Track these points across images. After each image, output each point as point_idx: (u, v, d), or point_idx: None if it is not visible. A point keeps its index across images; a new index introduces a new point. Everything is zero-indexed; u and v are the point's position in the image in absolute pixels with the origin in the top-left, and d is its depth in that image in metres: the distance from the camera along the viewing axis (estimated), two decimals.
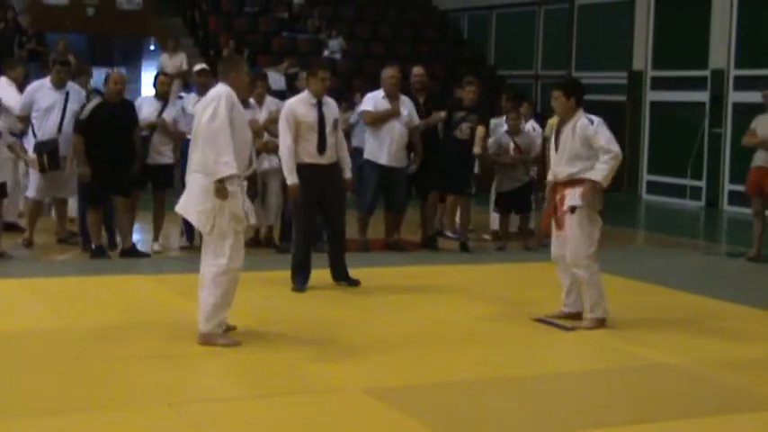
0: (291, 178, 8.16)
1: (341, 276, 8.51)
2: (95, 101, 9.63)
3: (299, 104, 8.31)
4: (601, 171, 6.98)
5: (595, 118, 7.11)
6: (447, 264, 9.91)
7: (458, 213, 10.98)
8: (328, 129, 8.28)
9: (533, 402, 5.58)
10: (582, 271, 7.07)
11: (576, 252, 7.06)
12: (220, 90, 6.47)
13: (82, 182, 9.50)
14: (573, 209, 7.04)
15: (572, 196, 7.05)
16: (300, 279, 8.29)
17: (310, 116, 8.24)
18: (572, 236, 7.06)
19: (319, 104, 8.31)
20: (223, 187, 6.26)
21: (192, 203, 6.45)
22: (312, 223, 8.58)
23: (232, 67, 6.67)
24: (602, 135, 7.00)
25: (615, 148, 7.01)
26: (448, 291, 8.51)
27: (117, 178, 9.44)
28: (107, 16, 21.07)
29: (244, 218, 6.44)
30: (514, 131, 10.79)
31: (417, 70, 10.93)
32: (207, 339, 6.38)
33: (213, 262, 6.37)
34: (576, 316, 7.28)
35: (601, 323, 7.12)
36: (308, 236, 8.50)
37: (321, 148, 8.26)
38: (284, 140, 8.21)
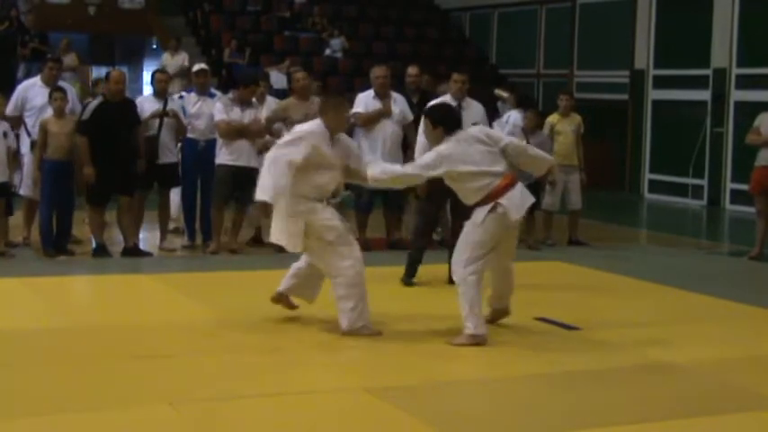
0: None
1: None
2: (97, 100, 9.62)
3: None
4: (383, 171, 6.79)
5: (455, 137, 6.62)
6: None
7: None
8: None
9: (534, 401, 5.59)
10: (457, 280, 6.66)
11: (454, 259, 6.75)
12: (310, 130, 6.66)
13: (86, 182, 9.48)
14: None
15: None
16: (414, 273, 8.67)
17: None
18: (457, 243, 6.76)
19: (459, 107, 8.47)
20: (262, 205, 6.54)
21: (278, 228, 6.65)
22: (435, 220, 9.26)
23: (331, 107, 6.76)
24: (432, 152, 6.62)
25: (423, 169, 6.61)
26: (451, 289, 8.47)
27: (120, 177, 9.45)
28: (109, 15, 21.13)
29: (333, 226, 6.62)
30: (531, 130, 10.74)
31: (412, 70, 10.86)
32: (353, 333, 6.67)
33: (333, 275, 6.72)
34: (500, 312, 7.11)
35: (472, 340, 6.53)
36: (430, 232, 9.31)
37: None
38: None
